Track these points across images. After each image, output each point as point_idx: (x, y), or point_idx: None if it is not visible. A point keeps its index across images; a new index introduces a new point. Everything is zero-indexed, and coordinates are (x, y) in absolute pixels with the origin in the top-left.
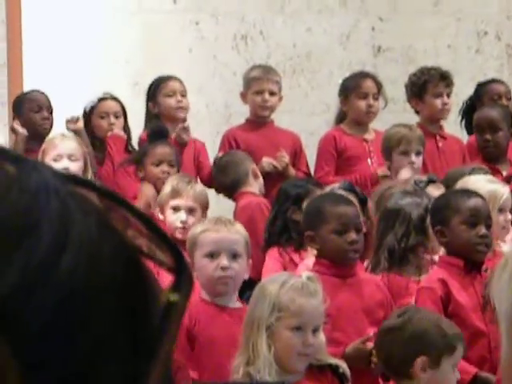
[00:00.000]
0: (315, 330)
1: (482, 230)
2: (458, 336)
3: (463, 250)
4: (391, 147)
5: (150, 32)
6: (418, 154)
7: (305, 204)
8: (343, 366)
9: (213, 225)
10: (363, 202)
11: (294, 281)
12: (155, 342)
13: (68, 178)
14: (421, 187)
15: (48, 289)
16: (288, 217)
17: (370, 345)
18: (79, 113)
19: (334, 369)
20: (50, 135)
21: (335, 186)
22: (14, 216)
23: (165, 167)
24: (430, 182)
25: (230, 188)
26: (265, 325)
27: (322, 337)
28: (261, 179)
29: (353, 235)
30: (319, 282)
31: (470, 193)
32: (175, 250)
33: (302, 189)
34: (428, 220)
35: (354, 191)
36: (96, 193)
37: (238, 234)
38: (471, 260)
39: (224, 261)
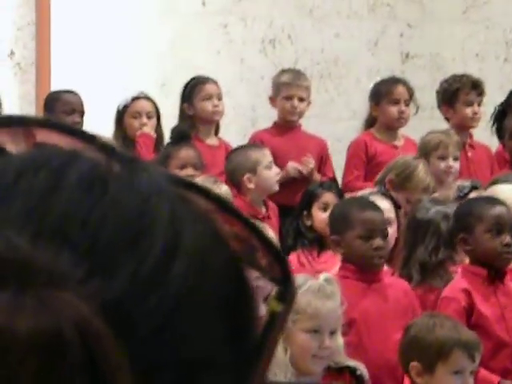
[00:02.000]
0: (332, 333)
1: (507, 238)
2: (457, 342)
3: (487, 258)
4: (428, 152)
5: (179, 34)
6: (455, 159)
7: (315, 208)
8: (361, 368)
9: None
10: (398, 208)
11: (311, 283)
12: (257, 354)
13: (176, 180)
14: (464, 193)
15: (159, 294)
16: (300, 222)
17: None
18: (106, 113)
19: (351, 371)
20: None
21: (369, 191)
22: (127, 219)
23: (189, 171)
24: (474, 188)
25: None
26: None
27: (340, 339)
28: (261, 184)
29: (378, 241)
30: (337, 284)
31: (494, 200)
32: (281, 258)
33: (311, 193)
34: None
35: (389, 196)
36: (203, 196)
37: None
38: (494, 269)
39: None
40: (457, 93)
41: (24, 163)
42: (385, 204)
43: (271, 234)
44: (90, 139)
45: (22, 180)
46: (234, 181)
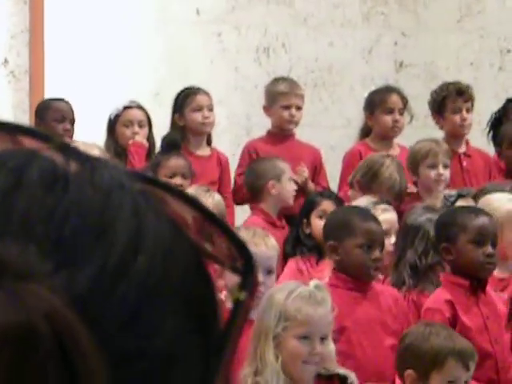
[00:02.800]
0: (323, 339)
1: (489, 249)
2: (452, 351)
3: (469, 268)
4: (418, 161)
5: (173, 43)
6: (445, 166)
7: (313, 215)
8: (351, 377)
9: (251, 237)
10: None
11: (301, 289)
12: (223, 342)
13: (136, 175)
14: (451, 202)
15: (124, 289)
16: (300, 230)
17: None
18: (99, 121)
19: (342, 379)
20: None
21: (367, 201)
22: (90, 214)
23: (178, 180)
24: (460, 196)
25: (249, 195)
26: (272, 334)
27: (331, 346)
28: (281, 194)
29: (377, 253)
30: (327, 291)
31: (477, 211)
32: (244, 248)
33: (310, 201)
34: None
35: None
36: (162, 190)
37: (274, 249)
38: (476, 279)
39: (260, 277)
40: (444, 101)
41: None
42: (389, 215)
43: (273, 243)
44: (47, 139)
45: None
46: (256, 186)
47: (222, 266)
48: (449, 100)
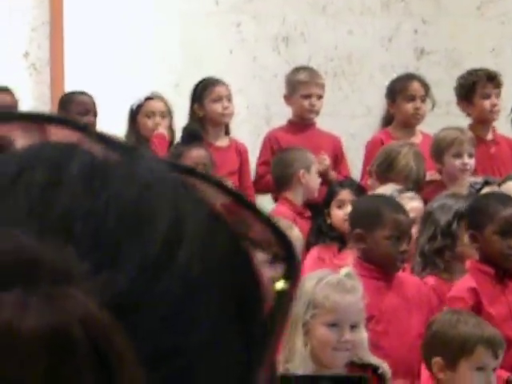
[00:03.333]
0: (353, 327)
1: None
2: (480, 339)
3: (494, 258)
4: (442, 150)
5: (192, 33)
6: (470, 155)
7: (333, 205)
8: (383, 366)
9: None
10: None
11: (330, 277)
12: (267, 330)
13: (175, 166)
14: (476, 189)
15: (165, 285)
16: (322, 220)
17: None
18: (119, 113)
19: (374, 369)
20: None
21: (392, 189)
22: (129, 209)
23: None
24: (486, 183)
25: (275, 185)
26: (301, 322)
27: (363, 334)
28: (309, 184)
29: (405, 245)
30: (358, 279)
31: (507, 200)
32: (285, 238)
33: (331, 191)
34: (454, 225)
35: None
36: (201, 180)
37: (298, 240)
38: (503, 268)
39: None
40: (473, 87)
41: (23, 159)
42: (416, 203)
43: (298, 234)
44: (87, 131)
45: (22, 176)
46: (284, 174)
47: (264, 252)
48: (479, 85)
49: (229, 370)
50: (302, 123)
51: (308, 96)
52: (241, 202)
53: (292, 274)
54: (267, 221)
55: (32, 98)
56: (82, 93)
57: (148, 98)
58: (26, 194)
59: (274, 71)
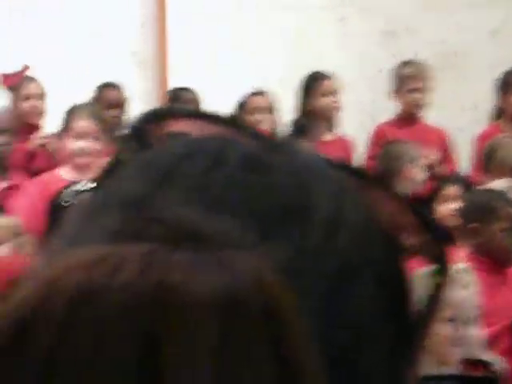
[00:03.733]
0: (467, 322)
1: None
2: None
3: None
4: None
5: (299, 28)
6: None
7: (438, 201)
8: (497, 363)
9: None
10: None
11: None
12: (417, 331)
13: (329, 162)
14: None
15: (325, 264)
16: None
17: None
18: (224, 109)
19: (486, 365)
20: None
21: (507, 184)
22: (289, 195)
23: None
24: None
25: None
26: None
27: (476, 330)
28: (414, 178)
29: None
30: (473, 275)
31: None
32: (440, 232)
33: (437, 186)
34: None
35: None
36: (352, 175)
37: None
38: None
39: None
40: None
41: (186, 148)
42: None
43: None
44: (241, 127)
45: (184, 162)
46: (390, 167)
47: (417, 253)
48: None
49: (379, 366)
50: (409, 117)
51: (415, 90)
52: (400, 202)
53: (444, 272)
54: (427, 222)
55: (139, 95)
56: (186, 89)
57: (252, 94)
58: (190, 178)
59: (379, 66)
